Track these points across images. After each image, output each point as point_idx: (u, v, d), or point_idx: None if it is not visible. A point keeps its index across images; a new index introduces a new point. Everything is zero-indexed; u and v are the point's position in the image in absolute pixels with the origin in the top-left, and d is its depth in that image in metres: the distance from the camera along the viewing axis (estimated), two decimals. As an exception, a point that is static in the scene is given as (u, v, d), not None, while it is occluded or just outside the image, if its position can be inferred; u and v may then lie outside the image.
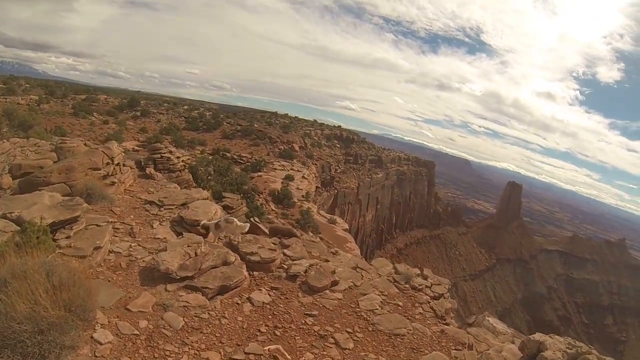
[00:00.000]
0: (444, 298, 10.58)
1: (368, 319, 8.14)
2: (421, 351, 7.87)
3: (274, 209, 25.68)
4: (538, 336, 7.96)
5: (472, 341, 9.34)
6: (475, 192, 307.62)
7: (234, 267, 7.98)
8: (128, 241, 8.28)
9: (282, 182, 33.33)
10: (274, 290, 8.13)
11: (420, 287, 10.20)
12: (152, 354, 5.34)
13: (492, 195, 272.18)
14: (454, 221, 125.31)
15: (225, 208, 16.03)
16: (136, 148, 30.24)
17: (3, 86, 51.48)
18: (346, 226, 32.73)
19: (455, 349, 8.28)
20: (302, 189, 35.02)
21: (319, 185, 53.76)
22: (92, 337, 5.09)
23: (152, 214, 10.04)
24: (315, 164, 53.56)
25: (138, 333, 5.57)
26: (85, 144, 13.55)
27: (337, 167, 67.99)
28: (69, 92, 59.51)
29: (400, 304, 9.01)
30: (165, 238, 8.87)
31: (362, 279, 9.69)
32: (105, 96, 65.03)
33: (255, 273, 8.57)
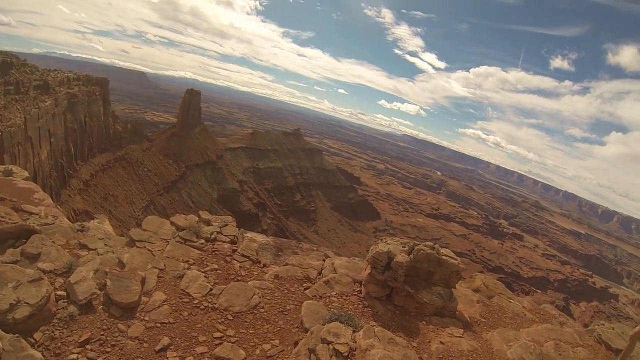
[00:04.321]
0: (242, 238, 10.27)
1: (217, 307, 7.26)
2: (290, 310, 8.12)
3: None
4: (381, 247, 8.49)
5: (310, 273, 9.46)
6: (153, 104, 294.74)
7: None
8: None
9: None
10: (91, 349, 5.71)
11: (212, 235, 9.49)
12: None
13: (171, 105, 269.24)
14: (137, 138, 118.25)
15: None
16: None
17: None
18: (26, 174, 26.07)
19: (311, 293, 8.63)
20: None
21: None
22: None
23: None
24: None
25: None
26: None
27: (-6, 102, 48.11)
28: None
29: (216, 266, 8.37)
30: None
31: (154, 255, 8.12)
32: None
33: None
